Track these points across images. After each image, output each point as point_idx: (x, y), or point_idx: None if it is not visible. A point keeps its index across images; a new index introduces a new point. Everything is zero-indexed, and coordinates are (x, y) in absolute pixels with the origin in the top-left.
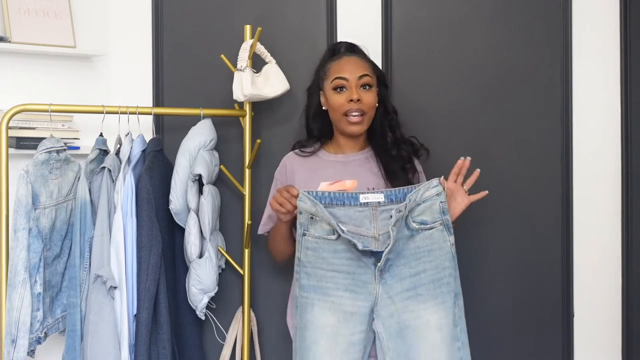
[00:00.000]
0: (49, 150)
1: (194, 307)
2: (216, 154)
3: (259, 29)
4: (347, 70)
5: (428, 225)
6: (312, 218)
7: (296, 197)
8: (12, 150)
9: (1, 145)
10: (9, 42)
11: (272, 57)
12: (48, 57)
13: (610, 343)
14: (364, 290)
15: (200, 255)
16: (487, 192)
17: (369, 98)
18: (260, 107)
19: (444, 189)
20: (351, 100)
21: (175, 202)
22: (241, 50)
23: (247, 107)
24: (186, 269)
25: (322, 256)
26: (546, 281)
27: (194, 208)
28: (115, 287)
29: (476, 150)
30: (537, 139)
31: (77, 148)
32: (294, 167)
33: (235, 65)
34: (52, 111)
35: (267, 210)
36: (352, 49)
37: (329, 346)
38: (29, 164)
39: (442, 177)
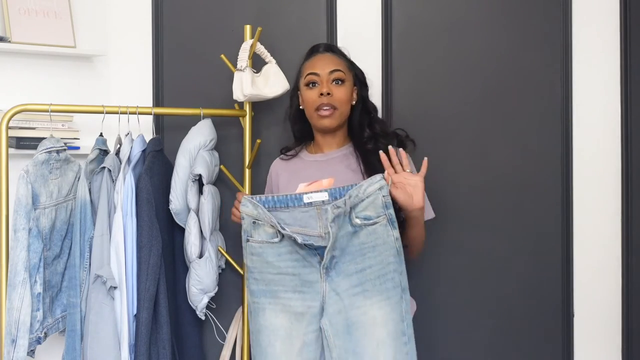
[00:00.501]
0: (49, 150)
1: (194, 307)
2: (216, 154)
3: (259, 29)
4: (319, 65)
5: (371, 221)
6: (254, 223)
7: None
8: (12, 150)
9: (1, 145)
10: (9, 42)
11: (272, 57)
12: (48, 57)
13: (610, 343)
14: (312, 290)
15: (200, 255)
16: (425, 157)
17: (340, 93)
18: (260, 107)
19: (387, 183)
20: (322, 94)
21: (175, 202)
22: (241, 50)
23: (247, 107)
24: (186, 269)
25: (267, 260)
26: (546, 281)
27: (194, 208)
28: (115, 287)
29: (476, 150)
30: (537, 139)
31: (77, 148)
32: (278, 172)
33: (235, 65)
34: (52, 111)
35: None
36: (330, 48)
37: (284, 348)
38: (29, 164)
39: (387, 172)
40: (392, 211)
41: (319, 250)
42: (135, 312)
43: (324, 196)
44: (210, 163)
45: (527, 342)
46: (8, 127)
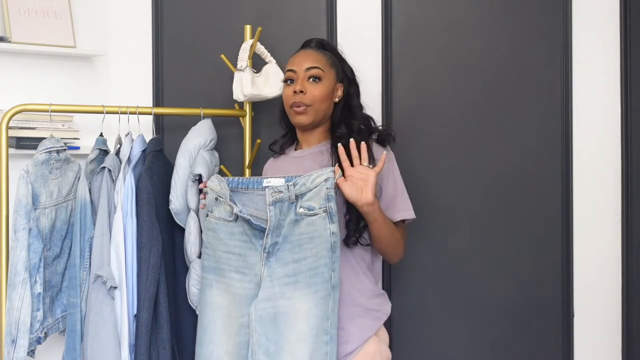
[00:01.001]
0: (49, 150)
1: (194, 307)
2: (216, 154)
3: (259, 29)
4: (296, 62)
5: (312, 212)
6: (216, 199)
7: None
8: (12, 150)
9: (1, 145)
10: (9, 42)
11: (272, 57)
12: (48, 57)
13: (610, 343)
14: (251, 272)
15: (200, 255)
16: (384, 152)
17: (315, 90)
18: (260, 107)
19: (334, 176)
20: (294, 92)
21: (175, 202)
22: (241, 50)
23: (247, 107)
24: (186, 269)
25: (219, 237)
26: (546, 281)
27: (194, 208)
28: (115, 287)
29: (476, 150)
30: (537, 139)
31: (77, 148)
32: (267, 171)
33: (235, 65)
34: (52, 111)
35: None
36: (321, 45)
37: (224, 327)
38: (29, 164)
39: (337, 164)
40: (333, 204)
41: (261, 234)
42: (135, 312)
43: (281, 182)
44: (210, 163)
45: (527, 342)
46: (8, 127)
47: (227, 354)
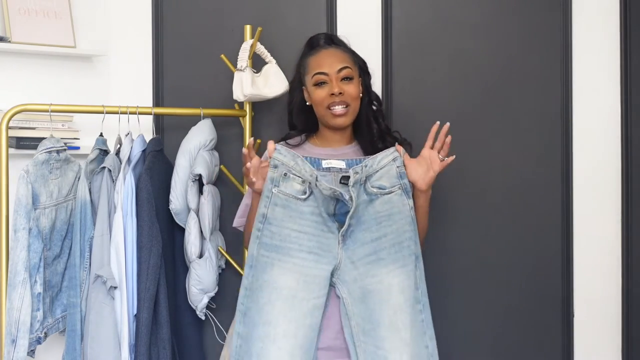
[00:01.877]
0: (49, 150)
1: (194, 307)
2: (216, 154)
3: (259, 29)
4: (326, 64)
5: (386, 190)
6: (285, 175)
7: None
8: (12, 150)
9: (1, 145)
10: (9, 42)
11: (272, 57)
12: (48, 57)
13: (610, 343)
14: (328, 254)
15: (200, 255)
16: (454, 156)
17: (351, 90)
18: (260, 107)
19: (400, 154)
20: (332, 94)
21: (176, 202)
22: (241, 50)
23: (247, 107)
24: (186, 269)
25: (290, 215)
26: (546, 281)
27: (194, 208)
28: (115, 287)
29: (476, 150)
30: (537, 138)
31: (77, 148)
32: None
33: (235, 65)
34: (52, 111)
35: (244, 200)
36: (331, 40)
37: (283, 309)
38: (29, 164)
39: (397, 143)
40: (406, 181)
41: (337, 217)
42: (135, 312)
43: (342, 164)
44: (210, 163)
45: (527, 342)
46: (8, 127)
47: (285, 337)
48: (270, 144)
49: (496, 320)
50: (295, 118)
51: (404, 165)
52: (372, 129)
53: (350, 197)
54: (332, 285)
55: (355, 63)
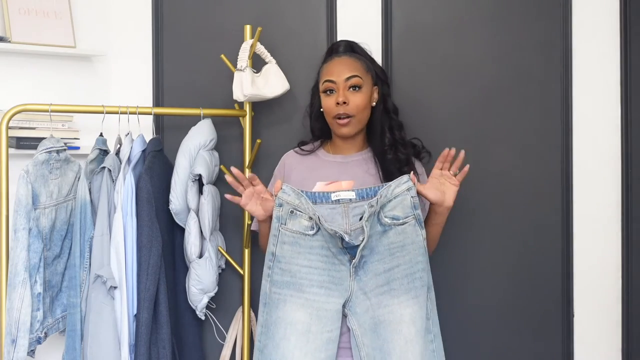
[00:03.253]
0: (49, 150)
1: (194, 307)
2: (216, 154)
3: (259, 29)
4: (335, 72)
5: (400, 221)
6: (292, 212)
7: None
8: (12, 150)
9: (1, 145)
10: (9, 42)
11: (272, 57)
12: (48, 57)
13: (610, 343)
14: (339, 287)
15: (200, 255)
16: (468, 165)
17: (357, 100)
18: (260, 107)
19: (414, 184)
20: (337, 103)
21: (175, 202)
22: (241, 50)
23: (247, 107)
24: (186, 269)
25: (299, 251)
26: (546, 281)
27: (194, 208)
28: (115, 287)
29: (476, 150)
30: (537, 139)
31: (77, 148)
32: (292, 165)
33: (235, 65)
34: (52, 111)
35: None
36: (350, 48)
37: (298, 343)
38: (29, 164)
39: (412, 172)
40: (419, 212)
41: (349, 249)
42: (135, 312)
43: (352, 195)
44: (210, 163)
45: (527, 342)
46: (8, 127)
47: None
48: (278, 184)
49: (496, 320)
50: (313, 123)
51: (418, 193)
52: (385, 139)
53: (356, 229)
54: (344, 315)
55: (368, 72)
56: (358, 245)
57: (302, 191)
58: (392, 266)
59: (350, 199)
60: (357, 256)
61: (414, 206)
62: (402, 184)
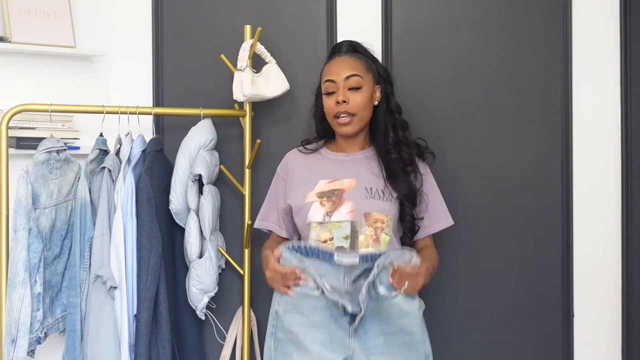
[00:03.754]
0: (49, 150)
1: (194, 307)
2: (216, 154)
3: (259, 29)
4: (335, 72)
5: (393, 294)
6: None
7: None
8: (12, 150)
9: (1, 145)
10: (9, 42)
11: (272, 57)
12: (48, 57)
13: (610, 343)
14: (340, 345)
15: (200, 255)
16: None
17: (357, 99)
18: (260, 107)
19: (417, 263)
20: (337, 103)
21: (175, 202)
22: (241, 50)
23: (247, 107)
24: (186, 269)
25: (302, 312)
26: (546, 281)
27: (194, 208)
28: (115, 287)
29: (476, 150)
30: (537, 139)
31: (77, 148)
32: (295, 163)
33: (235, 65)
34: (52, 111)
35: (266, 203)
36: (353, 48)
37: None
38: (29, 164)
39: (415, 253)
40: None
41: (348, 313)
42: (135, 312)
43: (355, 261)
44: (210, 163)
45: (527, 342)
46: (8, 127)
47: None
48: (276, 252)
49: (496, 320)
50: (318, 125)
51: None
52: (388, 138)
53: (351, 291)
54: None
55: (369, 71)
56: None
57: (303, 245)
58: (390, 331)
59: (353, 265)
60: (356, 321)
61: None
62: (405, 257)
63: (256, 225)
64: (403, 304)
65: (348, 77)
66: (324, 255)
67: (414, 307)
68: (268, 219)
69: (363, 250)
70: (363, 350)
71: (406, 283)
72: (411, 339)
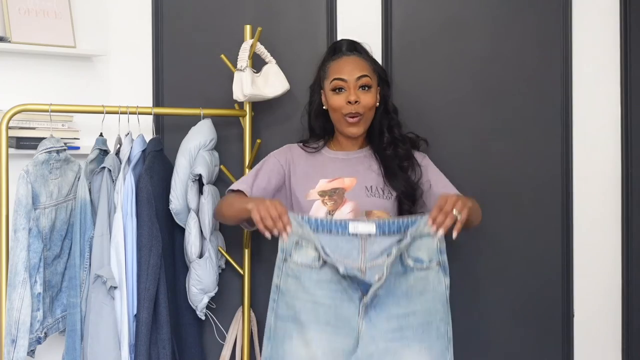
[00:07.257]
0: (49, 150)
1: (194, 307)
2: (216, 154)
3: (259, 29)
4: (346, 71)
5: (424, 265)
6: (297, 243)
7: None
8: (12, 150)
9: (1, 145)
10: (9, 42)
11: (272, 57)
12: (48, 57)
13: (610, 343)
14: (346, 326)
15: (201, 255)
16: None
17: (367, 99)
18: (260, 107)
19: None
20: (349, 102)
21: (176, 202)
22: (241, 50)
23: (247, 107)
24: (186, 269)
25: (304, 285)
26: (546, 281)
27: (194, 208)
28: (115, 287)
29: (476, 150)
30: (537, 138)
31: (77, 148)
32: (297, 160)
33: (235, 65)
34: (52, 111)
35: (251, 175)
36: (354, 47)
37: None
38: (29, 164)
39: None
40: (445, 257)
41: (362, 285)
42: (135, 312)
43: (372, 229)
44: (210, 163)
45: (527, 342)
46: (8, 127)
47: None
48: (282, 211)
49: (496, 320)
50: (313, 121)
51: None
52: (383, 137)
53: (372, 267)
54: None
55: (374, 72)
56: (369, 282)
57: (313, 218)
58: (408, 312)
59: (370, 234)
60: (369, 294)
61: (439, 250)
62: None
63: (232, 187)
64: (433, 277)
65: (359, 78)
66: (338, 227)
67: (443, 284)
68: (246, 184)
69: (379, 220)
70: (372, 334)
71: (455, 213)
72: (431, 320)
